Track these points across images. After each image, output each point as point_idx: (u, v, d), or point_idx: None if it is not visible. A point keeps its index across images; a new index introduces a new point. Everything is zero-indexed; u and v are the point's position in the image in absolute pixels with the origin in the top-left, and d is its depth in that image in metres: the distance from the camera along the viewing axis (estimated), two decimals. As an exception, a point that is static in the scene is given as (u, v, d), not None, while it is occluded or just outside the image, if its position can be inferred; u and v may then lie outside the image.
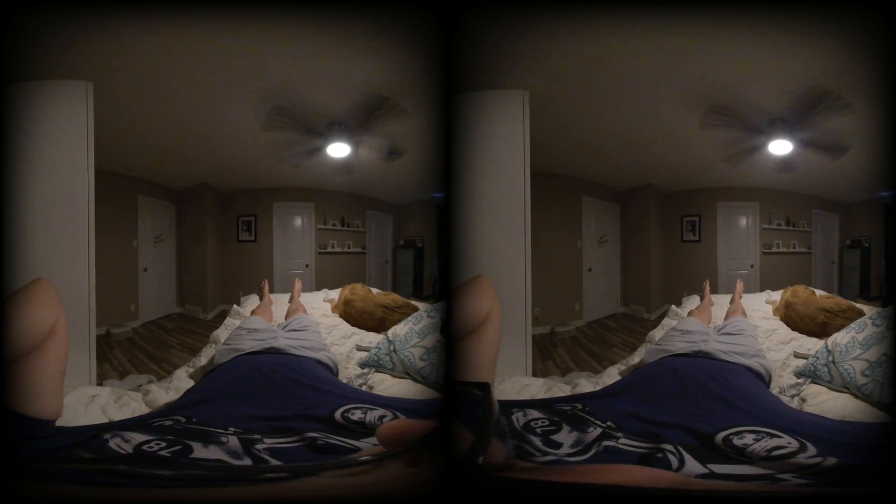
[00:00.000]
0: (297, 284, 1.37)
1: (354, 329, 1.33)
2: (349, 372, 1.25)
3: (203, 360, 1.28)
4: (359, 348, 1.29)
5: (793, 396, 1.17)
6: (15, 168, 1.17)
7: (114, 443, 0.89)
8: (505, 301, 1.15)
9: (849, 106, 1.24)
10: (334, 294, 1.37)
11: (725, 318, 1.34)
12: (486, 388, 0.81)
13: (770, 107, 1.28)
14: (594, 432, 0.96)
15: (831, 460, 0.83)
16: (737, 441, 0.90)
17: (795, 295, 1.34)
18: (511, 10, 1.19)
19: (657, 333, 1.32)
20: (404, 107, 1.26)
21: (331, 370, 1.22)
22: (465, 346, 1.03)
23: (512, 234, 1.28)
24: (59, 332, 0.97)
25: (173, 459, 0.84)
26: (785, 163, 1.31)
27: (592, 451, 0.92)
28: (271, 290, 1.37)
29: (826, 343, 1.21)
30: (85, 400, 1.11)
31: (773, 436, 0.90)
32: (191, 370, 1.26)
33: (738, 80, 1.27)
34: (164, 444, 0.88)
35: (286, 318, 1.33)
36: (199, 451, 0.86)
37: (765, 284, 1.39)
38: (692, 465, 0.85)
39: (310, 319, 1.32)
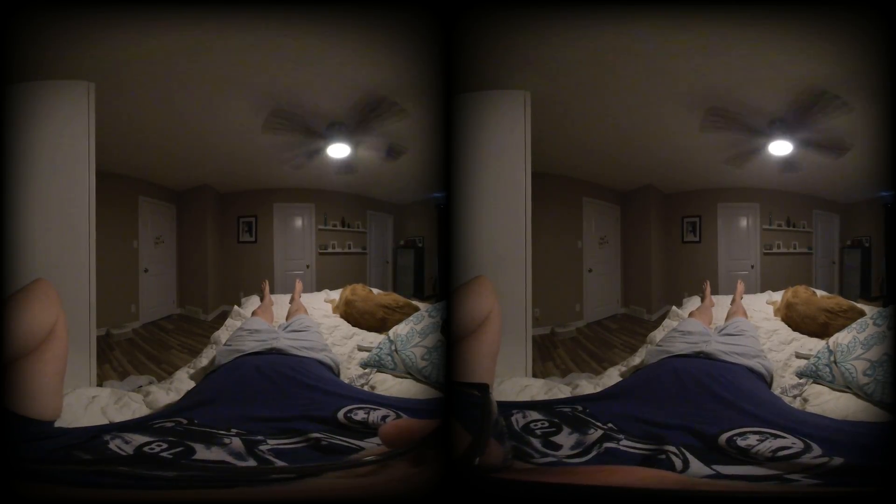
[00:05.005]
0: (298, 285, 1.37)
1: (355, 329, 1.32)
2: (350, 372, 1.25)
3: (204, 360, 1.27)
4: (360, 348, 1.29)
5: (795, 397, 1.17)
6: (15, 168, 1.17)
7: (114, 444, 0.88)
8: (505, 301, 1.15)
9: (848, 105, 1.24)
10: (335, 294, 1.37)
11: (726, 319, 1.34)
12: (484, 389, 0.81)
13: (770, 107, 1.28)
14: (595, 434, 0.96)
15: (837, 460, 0.83)
16: (741, 442, 0.90)
17: (796, 295, 1.34)
18: (511, 10, 1.19)
19: (658, 334, 1.32)
20: (404, 107, 1.26)
21: (332, 370, 1.22)
22: (465, 346, 1.02)
23: (512, 234, 1.28)
24: (59, 333, 0.97)
25: (175, 461, 0.83)
26: (786, 163, 1.31)
27: (593, 453, 0.91)
28: (272, 291, 1.37)
29: (827, 343, 1.21)
30: (85, 401, 1.11)
31: (777, 436, 0.90)
32: (191, 371, 1.26)
33: (737, 81, 1.27)
34: (165, 446, 0.88)
35: (287, 318, 1.33)
36: (202, 453, 0.86)
37: (765, 285, 1.39)
38: (697, 467, 0.85)
39: (311, 320, 1.32)
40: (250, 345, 1.24)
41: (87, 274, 1.23)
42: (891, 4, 1.11)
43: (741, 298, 1.38)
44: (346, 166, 1.33)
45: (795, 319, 1.32)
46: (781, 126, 1.28)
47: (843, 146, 1.26)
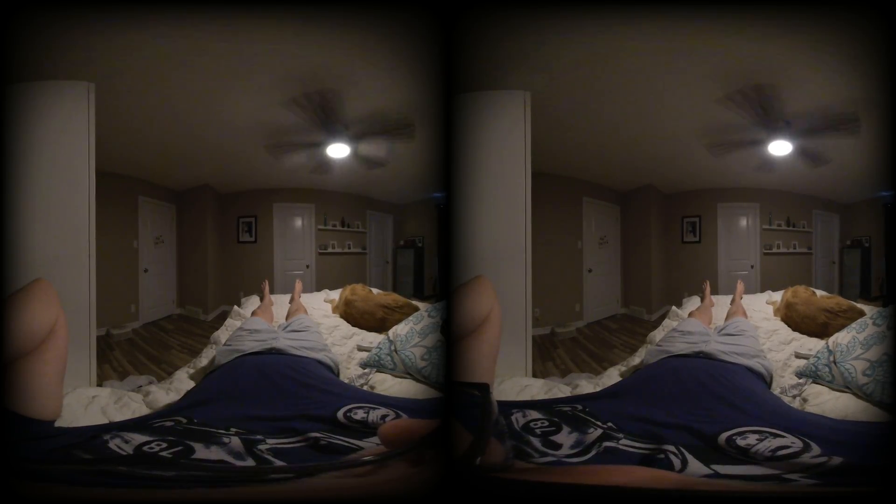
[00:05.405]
0: (298, 285, 1.37)
1: (355, 329, 1.32)
2: (350, 372, 1.25)
3: (203, 360, 1.27)
4: (360, 348, 1.29)
5: (794, 397, 1.17)
6: (15, 168, 1.17)
7: (114, 443, 0.88)
8: (505, 301, 1.15)
9: (849, 105, 1.24)
10: (335, 294, 1.37)
11: (726, 319, 1.34)
12: (485, 389, 0.81)
13: (769, 107, 1.28)
14: (594, 433, 0.96)
15: (836, 459, 0.83)
16: (740, 441, 0.90)
17: (796, 295, 1.34)
18: (511, 10, 1.19)
19: (658, 334, 1.32)
20: (404, 107, 1.26)
21: (332, 370, 1.22)
22: (465, 346, 1.02)
23: (512, 234, 1.28)
24: (59, 333, 0.97)
25: (174, 460, 0.84)
26: (786, 162, 1.31)
27: (593, 452, 0.92)
28: (272, 291, 1.37)
29: (827, 343, 1.21)
30: (85, 401, 1.11)
31: (776, 436, 0.90)
32: (191, 371, 1.26)
33: (737, 80, 1.27)
34: (164, 445, 0.88)
35: (287, 318, 1.33)
36: (201, 452, 0.86)
37: (765, 285, 1.39)
38: (696, 466, 0.85)
39: (310, 320, 1.32)
40: (250, 345, 1.24)
41: (87, 274, 1.23)
42: (891, 4, 1.11)
43: (741, 298, 1.38)
44: (346, 166, 1.33)
45: (795, 319, 1.32)
46: (781, 126, 1.28)
47: (854, 119, 1.24)
